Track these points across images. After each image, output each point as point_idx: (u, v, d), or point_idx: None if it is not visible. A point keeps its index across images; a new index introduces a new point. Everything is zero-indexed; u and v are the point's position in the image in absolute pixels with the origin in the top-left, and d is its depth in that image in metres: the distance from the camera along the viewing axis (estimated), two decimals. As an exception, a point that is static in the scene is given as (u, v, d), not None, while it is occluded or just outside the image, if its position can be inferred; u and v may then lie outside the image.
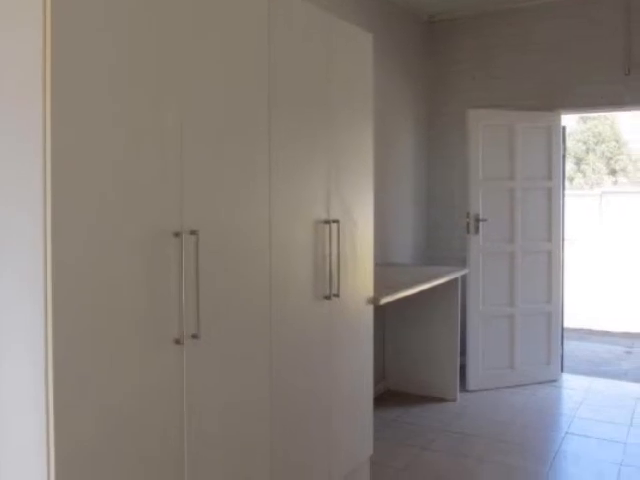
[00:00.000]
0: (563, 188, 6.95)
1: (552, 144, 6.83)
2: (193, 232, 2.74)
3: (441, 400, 6.30)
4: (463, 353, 6.60)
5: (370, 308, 4.33)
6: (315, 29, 3.69)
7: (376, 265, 4.51)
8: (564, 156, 7.08)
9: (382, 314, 6.40)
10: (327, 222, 3.79)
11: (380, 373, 6.40)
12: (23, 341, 2.24)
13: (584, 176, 33.12)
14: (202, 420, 2.86)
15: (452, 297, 6.24)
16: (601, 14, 6.73)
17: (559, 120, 6.88)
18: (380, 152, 5.85)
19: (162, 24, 2.61)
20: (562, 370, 7.21)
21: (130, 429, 2.49)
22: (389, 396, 6.40)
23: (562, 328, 7.16)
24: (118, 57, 2.41)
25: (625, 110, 7.06)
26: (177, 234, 2.66)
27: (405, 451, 5.10)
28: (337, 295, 3.87)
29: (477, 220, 6.52)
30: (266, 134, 3.26)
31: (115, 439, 2.43)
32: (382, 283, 4.92)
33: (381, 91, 6.19)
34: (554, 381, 6.97)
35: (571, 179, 31.18)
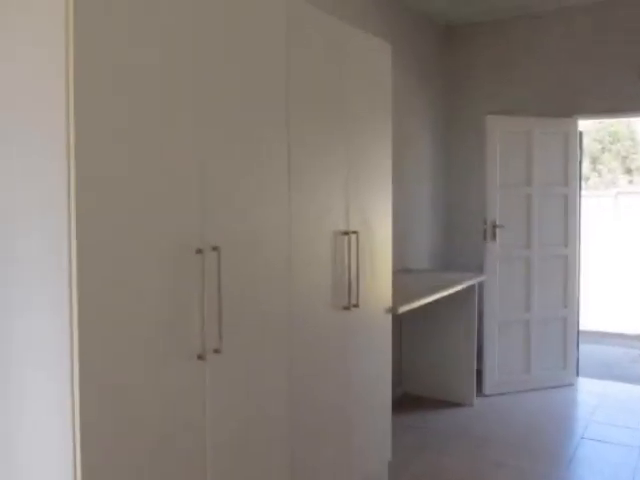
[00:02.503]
0: (580, 194, 6.92)
1: (569, 150, 6.79)
2: (215, 248, 2.74)
3: (458, 405, 6.29)
4: (480, 358, 6.57)
5: (388, 317, 4.33)
6: (334, 40, 3.68)
7: (393, 272, 4.50)
8: (581, 161, 7.04)
9: (399, 319, 6.39)
10: (346, 233, 3.79)
11: (397, 378, 6.39)
12: (50, 354, 2.25)
13: (599, 175, 32.93)
14: (224, 432, 2.86)
15: (469, 303, 6.22)
16: (617, 19, 6.68)
17: (576, 126, 6.85)
18: (398, 158, 5.84)
19: (178, 36, 2.61)
20: (577, 374, 7.18)
21: (153, 442, 2.50)
22: (406, 401, 6.38)
23: (578, 333, 7.13)
24: (137, 73, 2.41)
25: (642, 116, 7.02)
26: (199, 251, 2.67)
27: (422, 456, 5.08)
28: (356, 305, 3.87)
29: (494, 226, 6.50)
30: (285, 145, 3.26)
31: (138, 451, 2.44)
32: (400, 291, 4.90)
33: (399, 96, 6.17)
34: (570, 385, 6.94)
35: (586, 179, 31.01)
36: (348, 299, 3.82)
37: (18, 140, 2.29)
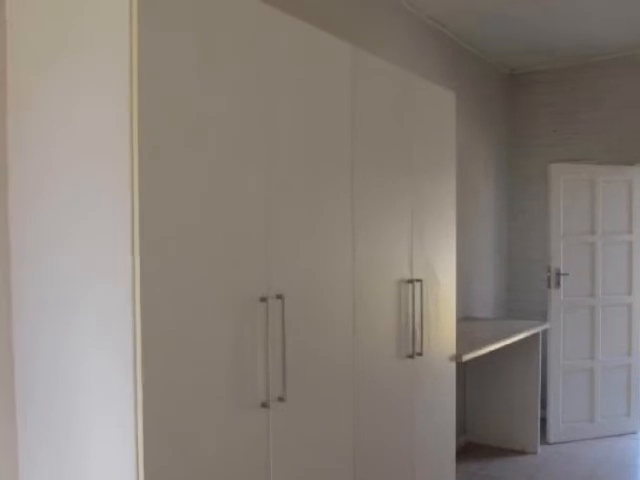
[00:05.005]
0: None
1: (633, 197, 6.65)
2: (279, 296, 2.69)
3: (522, 453, 6.11)
4: (544, 406, 6.42)
5: (452, 365, 4.24)
6: (398, 89, 3.64)
7: (457, 320, 4.42)
8: (645, 209, 6.91)
9: (463, 367, 6.28)
10: (410, 281, 3.72)
11: (461, 426, 6.25)
12: (114, 401, 2.21)
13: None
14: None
15: (533, 351, 6.07)
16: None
17: (640, 174, 6.73)
18: (461, 205, 5.77)
19: (247, 87, 2.58)
20: (642, 422, 6.99)
21: (215, 494, 2.44)
22: (470, 449, 6.23)
23: (642, 380, 6.96)
24: (201, 119, 2.38)
25: None
26: (263, 299, 2.62)
27: (486, 505, 4.96)
28: (420, 354, 3.78)
29: (558, 274, 6.38)
30: (349, 195, 3.21)
31: (200, 504, 2.38)
32: (464, 339, 4.81)
33: (462, 143, 6.11)
34: (633, 433, 6.72)
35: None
36: (412, 347, 3.73)
37: (80, 200, 2.27)
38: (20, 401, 2.54)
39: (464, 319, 6.19)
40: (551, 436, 6.45)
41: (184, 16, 2.27)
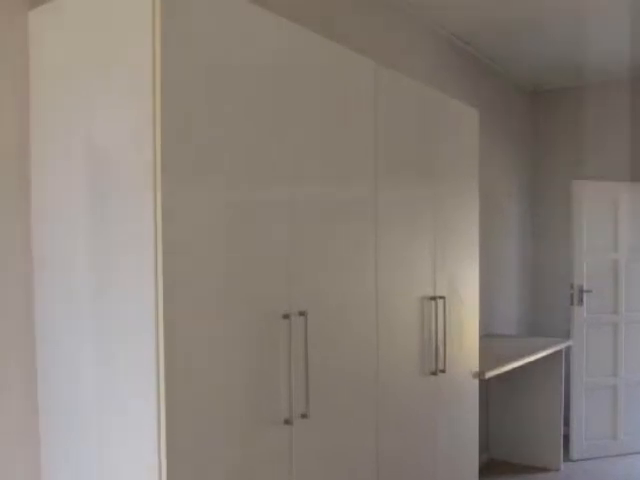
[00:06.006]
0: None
1: (656, 215, 6.61)
2: (302, 313, 2.66)
3: (545, 470, 6.03)
4: (567, 422, 6.35)
5: (475, 382, 4.20)
6: (421, 106, 3.62)
7: (480, 337, 4.37)
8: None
9: (486, 384, 6.22)
10: (433, 298, 3.69)
11: (484, 443, 6.19)
12: (134, 413, 2.19)
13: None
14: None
15: (556, 368, 6.01)
16: None
17: (663, 191, 6.67)
18: (484, 221, 5.73)
19: (267, 101, 2.57)
20: (666, 439, 6.90)
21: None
22: (493, 466, 6.16)
23: (666, 398, 6.88)
24: (225, 135, 2.36)
25: None
26: (286, 316, 2.59)
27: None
28: (443, 370, 3.74)
29: (581, 291, 6.32)
30: (372, 211, 3.19)
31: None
32: (487, 356, 4.77)
33: (485, 160, 6.07)
34: (658, 450, 6.66)
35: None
36: (435, 364, 3.70)
37: (101, 212, 2.26)
38: (42, 414, 2.54)
39: (487, 336, 6.14)
40: (574, 453, 6.38)
41: (204, 33, 2.26)
